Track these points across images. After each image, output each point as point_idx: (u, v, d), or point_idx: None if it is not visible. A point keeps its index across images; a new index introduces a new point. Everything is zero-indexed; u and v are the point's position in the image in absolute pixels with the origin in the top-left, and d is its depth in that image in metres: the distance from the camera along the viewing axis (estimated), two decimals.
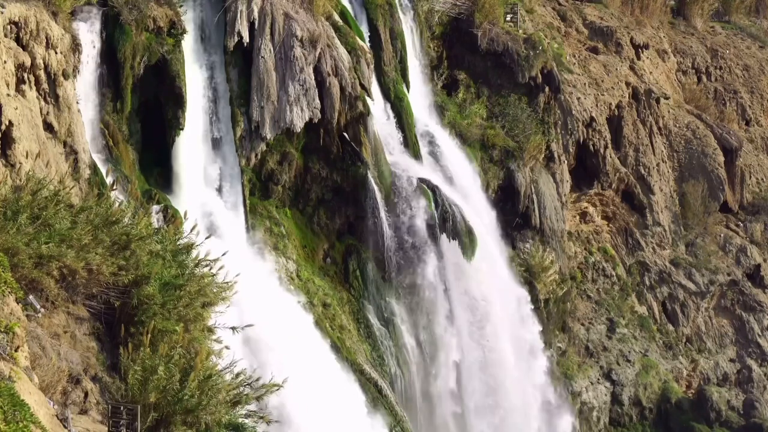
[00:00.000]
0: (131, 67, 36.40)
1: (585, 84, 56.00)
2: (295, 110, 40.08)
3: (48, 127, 31.72)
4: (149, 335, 19.13)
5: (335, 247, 43.15)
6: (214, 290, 21.74)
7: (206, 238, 24.28)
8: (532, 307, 48.19)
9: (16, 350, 16.09)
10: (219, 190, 39.45)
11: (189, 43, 38.62)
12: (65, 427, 16.39)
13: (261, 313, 32.98)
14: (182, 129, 37.67)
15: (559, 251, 52.03)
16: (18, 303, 17.34)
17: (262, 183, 41.28)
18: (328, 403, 36.04)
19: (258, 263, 39.22)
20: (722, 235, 61.21)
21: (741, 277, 59.84)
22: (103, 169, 33.99)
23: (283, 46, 40.26)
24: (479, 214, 46.71)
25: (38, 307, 18.59)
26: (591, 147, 55.55)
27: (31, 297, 18.50)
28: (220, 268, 22.35)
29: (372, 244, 43.00)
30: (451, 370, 44.33)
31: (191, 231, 23.45)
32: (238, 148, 39.65)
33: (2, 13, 29.68)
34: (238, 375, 20.36)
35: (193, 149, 38.58)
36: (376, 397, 40.06)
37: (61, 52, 32.39)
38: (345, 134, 42.22)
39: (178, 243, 22.65)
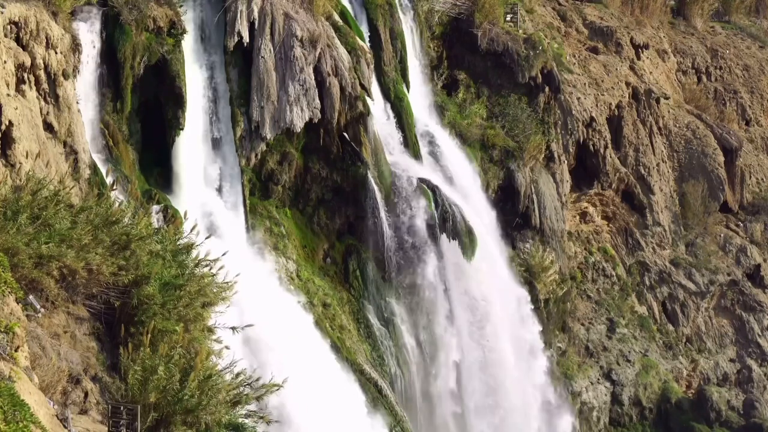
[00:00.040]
0: (131, 67, 36.40)
1: (585, 84, 55.98)
2: (295, 110, 40.07)
3: (48, 127, 31.71)
4: (149, 335, 19.13)
5: (335, 247, 43.14)
6: (214, 290, 21.74)
7: (206, 238, 24.27)
8: (532, 307, 48.17)
9: (16, 350, 16.09)
10: (219, 190, 39.44)
11: (189, 43, 38.62)
12: (65, 427, 16.38)
13: (261, 313, 32.98)
14: (182, 129, 37.67)
15: (559, 251, 52.01)
16: (18, 303, 17.34)
17: (262, 183, 41.27)
18: (328, 403, 36.03)
19: (258, 263, 39.21)
20: (722, 235, 61.19)
21: (741, 277, 59.82)
22: (103, 169, 33.99)
23: (283, 46, 40.25)
24: (479, 214, 46.69)
25: (38, 307, 18.58)
26: (591, 147, 55.53)
27: (31, 297, 18.49)
28: (220, 268, 22.36)
29: (372, 244, 42.99)
30: (451, 370, 44.32)
31: (191, 231, 23.45)
32: (238, 148, 39.64)
33: (2, 13, 29.67)
34: (238, 375, 20.36)
35: (193, 149, 38.58)
36: (376, 397, 40.04)
37: (61, 52, 32.38)
38: (345, 134, 42.21)
39: (178, 243, 22.65)
